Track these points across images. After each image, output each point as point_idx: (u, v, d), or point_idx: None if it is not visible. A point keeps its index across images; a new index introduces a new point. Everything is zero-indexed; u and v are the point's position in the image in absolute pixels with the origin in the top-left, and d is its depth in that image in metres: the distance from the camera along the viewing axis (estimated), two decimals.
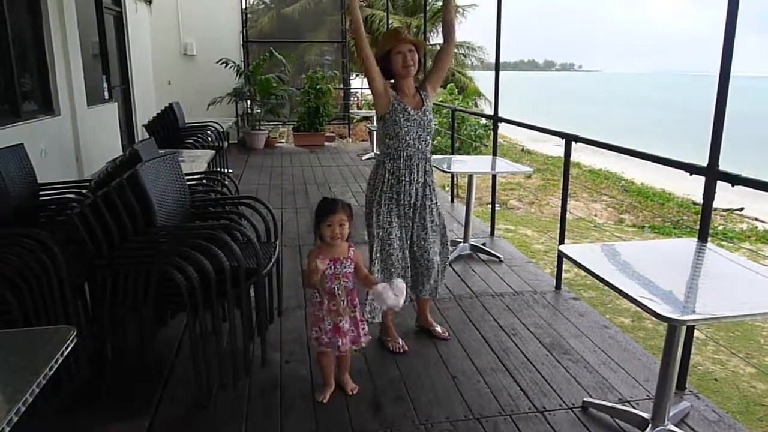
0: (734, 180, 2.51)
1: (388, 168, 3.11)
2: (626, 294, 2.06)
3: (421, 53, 3.15)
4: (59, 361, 1.38)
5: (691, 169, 2.76)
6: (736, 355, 4.83)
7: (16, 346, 1.51)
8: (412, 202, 3.15)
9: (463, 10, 19.72)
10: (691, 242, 2.67)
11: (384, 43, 3.14)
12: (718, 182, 2.63)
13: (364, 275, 2.71)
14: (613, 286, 2.13)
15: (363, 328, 2.72)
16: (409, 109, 3.07)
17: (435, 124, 3.26)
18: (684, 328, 2.36)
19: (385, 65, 3.09)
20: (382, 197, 3.11)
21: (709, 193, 2.67)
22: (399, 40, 3.06)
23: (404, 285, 2.60)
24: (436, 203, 3.25)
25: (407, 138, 3.06)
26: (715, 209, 11.34)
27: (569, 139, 3.99)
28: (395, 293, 2.53)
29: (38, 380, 1.28)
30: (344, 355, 2.74)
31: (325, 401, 2.70)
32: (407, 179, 3.11)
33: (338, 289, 2.62)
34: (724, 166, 2.62)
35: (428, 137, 3.15)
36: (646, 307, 1.95)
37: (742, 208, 11.83)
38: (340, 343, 2.61)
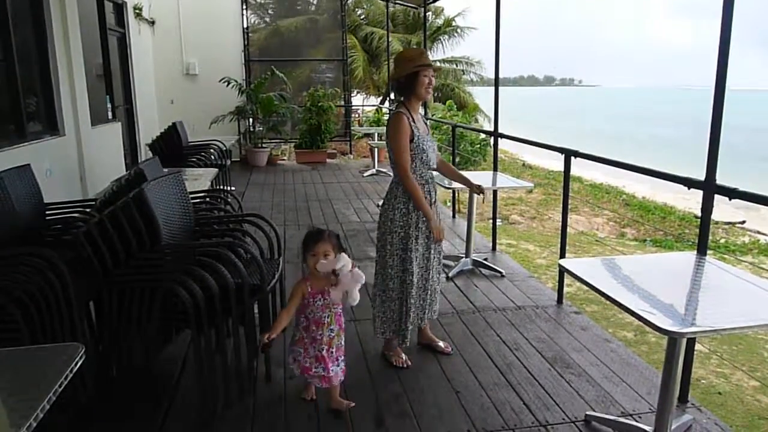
0: (731, 193, 2.54)
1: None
2: (626, 307, 2.08)
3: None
4: (68, 378, 1.41)
5: (689, 183, 2.79)
6: (740, 368, 4.82)
7: (26, 363, 1.54)
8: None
9: (462, 30, 19.90)
10: (691, 256, 2.70)
11: (411, 60, 3.13)
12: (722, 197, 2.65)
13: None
14: (613, 299, 2.15)
15: (339, 364, 2.71)
16: (423, 135, 3.16)
17: (436, 141, 3.34)
18: (684, 340, 2.37)
19: (410, 82, 3.10)
20: (419, 222, 3.14)
21: (707, 206, 2.70)
22: (427, 62, 3.11)
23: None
24: None
25: (429, 163, 3.16)
26: (717, 223, 11.37)
27: (568, 154, 4.03)
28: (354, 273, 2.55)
29: (49, 396, 1.31)
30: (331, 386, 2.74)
31: (314, 398, 2.82)
32: (432, 200, 3.20)
33: (328, 317, 2.62)
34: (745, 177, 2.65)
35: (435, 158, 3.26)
36: (646, 320, 1.97)
37: (743, 221, 11.85)
38: (324, 372, 2.63)
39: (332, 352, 2.65)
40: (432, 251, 3.24)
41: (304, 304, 2.63)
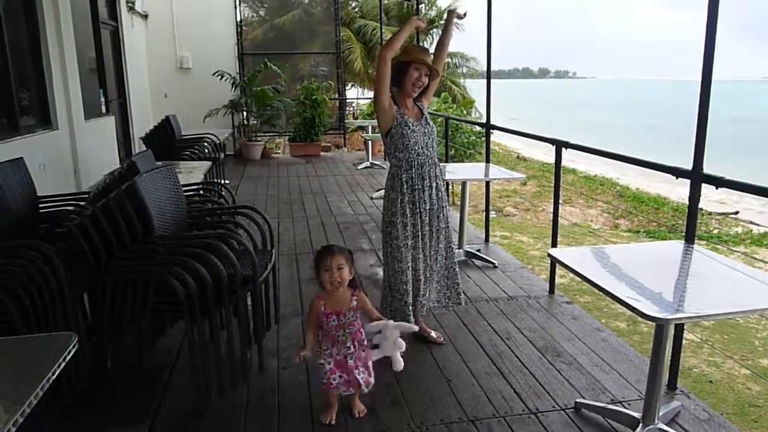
0: (718, 182, 2.57)
1: (404, 179, 3.17)
2: (613, 295, 2.11)
3: (432, 82, 3.26)
4: (62, 366, 1.42)
5: (677, 172, 2.82)
6: (731, 357, 4.87)
7: (18, 352, 1.55)
8: (427, 208, 3.22)
9: (457, 26, 19.82)
10: (679, 244, 2.73)
11: (407, 52, 3.19)
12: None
13: (376, 317, 2.60)
14: (601, 287, 2.18)
15: (361, 371, 2.55)
16: (412, 120, 3.17)
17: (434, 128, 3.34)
18: (671, 327, 2.41)
19: (398, 73, 3.15)
20: (406, 207, 3.17)
21: (694, 195, 2.72)
22: (423, 59, 3.15)
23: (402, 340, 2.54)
24: (447, 208, 3.35)
25: (416, 148, 3.16)
26: (711, 213, 11.42)
27: (560, 145, 4.06)
28: (397, 342, 2.50)
29: (41, 384, 1.32)
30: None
31: (333, 422, 2.62)
32: (420, 186, 3.19)
33: (343, 336, 2.52)
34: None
35: (434, 144, 3.27)
36: (633, 307, 2.00)
37: (737, 212, 11.91)
38: (346, 377, 2.53)
39: (351, 363, 2.53)
40: (424, 239, 3.25)
41: (319, 323, 2.56)
